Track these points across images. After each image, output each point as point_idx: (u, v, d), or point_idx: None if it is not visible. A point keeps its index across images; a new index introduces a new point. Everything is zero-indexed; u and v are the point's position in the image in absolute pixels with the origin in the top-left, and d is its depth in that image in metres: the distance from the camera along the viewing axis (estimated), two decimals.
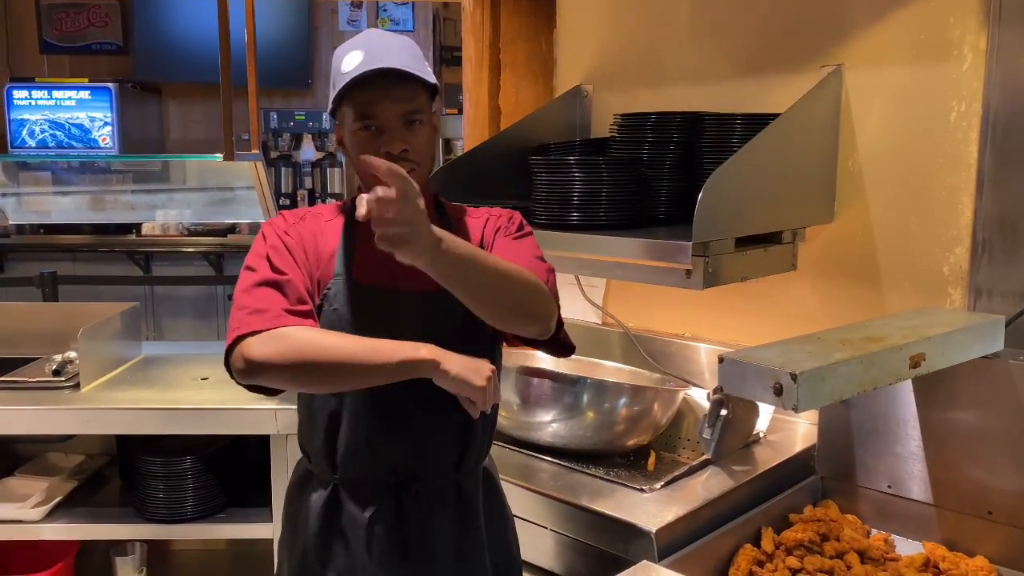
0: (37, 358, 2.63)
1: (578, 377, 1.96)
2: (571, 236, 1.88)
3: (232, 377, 1.42)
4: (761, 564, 1.60)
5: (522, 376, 1.97)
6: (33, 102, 5.75)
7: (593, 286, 2.51)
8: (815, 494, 1.86)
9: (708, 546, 1.61)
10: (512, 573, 1.64)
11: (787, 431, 2.05)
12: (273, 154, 6.09)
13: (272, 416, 2.24)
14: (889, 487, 1.78)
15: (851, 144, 1.98)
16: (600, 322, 2.51)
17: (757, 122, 1.89)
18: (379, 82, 1.41)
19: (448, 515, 1.53)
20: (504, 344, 1.60)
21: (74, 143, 5.78)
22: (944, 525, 1.70)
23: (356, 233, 1.50)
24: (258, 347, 1.36)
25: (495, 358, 1.53)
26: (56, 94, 5.75)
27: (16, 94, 5.73)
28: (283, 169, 6.11)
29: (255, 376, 1.38)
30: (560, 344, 1.55)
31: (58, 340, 2.64)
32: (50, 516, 2.34)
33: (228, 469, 2.42)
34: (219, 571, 2.78)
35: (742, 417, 1.91)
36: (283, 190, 6.10)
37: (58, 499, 2.38)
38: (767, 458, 1.92)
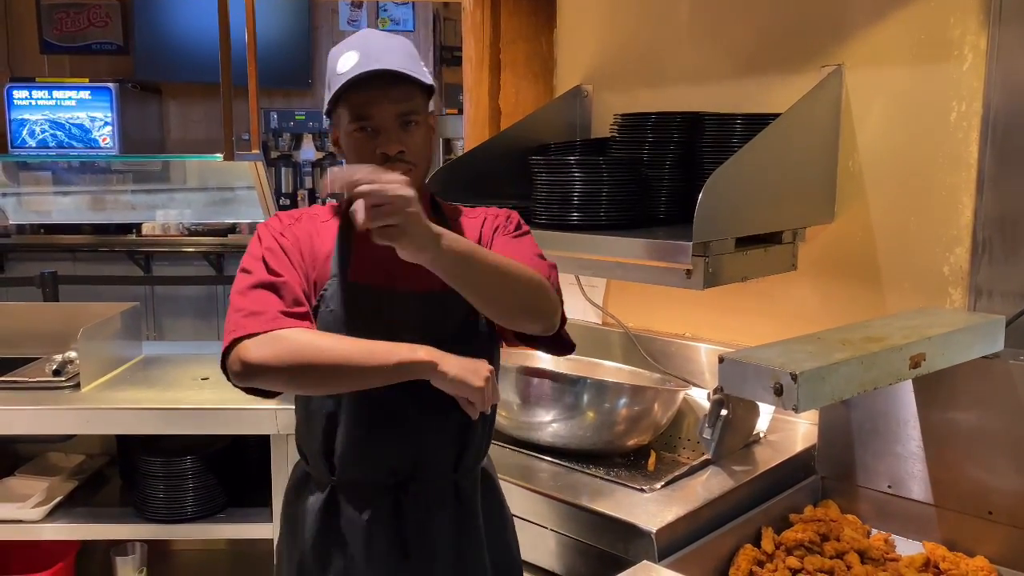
0: (37, 358, 2.63)
1: (578, 377, 1.95)
2: (571, 236, 1.88)
3: (229, 380, 1.41)
4: (761, 564, 1.60)
5: (522, 376, 1.97)
6: (33, 102, 5.76)
7: (593, 286, 2.51)
8: (815, 494, 1.86)
9: (708, 546, 1.61)
10: (512, 573, 1.64)
11: (787, 431, 2.05)
12: (273, 154, 6.10)
13: (272, 416, 2.24)
14: (889, 487, 1.78)
15: (851, 144, 1.98)
16: (600, 322, 2.51)
17: (757, 122, 1.89)
18: (375, 83, 1.40)
19: (446, 516, 1.53)
20: (504, 344, 1.60)
21: (74, 143, 5.78)
22: (944, 525, 1.70)
23: (352, 234, 1.50)
24: (255, 349, 1.35)
25: (493, 358, 1.53)
26: (56, 94, 5.76)
27: (16, 94, 5.73)
28: (283, 169, 6.12)
29: (252, 379, 1.38)
30: (562, 342, 1.55)
31: (58, 340, 2.64)
32: (50, 516, 2.34)
33: (228, 469, 2.42)
34: (219, 571, 2.78)
35: (742, 417, 1.91)
36: (283, 190, 6.11)
37: (58, 499, 2.38)
38: (767, 458, 1.92)
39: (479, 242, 1.54)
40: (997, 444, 1.63)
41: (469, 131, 2.75)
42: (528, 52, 2.66)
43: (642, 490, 1.76)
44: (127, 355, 2.75)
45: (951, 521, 1.69)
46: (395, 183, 1.21)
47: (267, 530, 2.31)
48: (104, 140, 5.79)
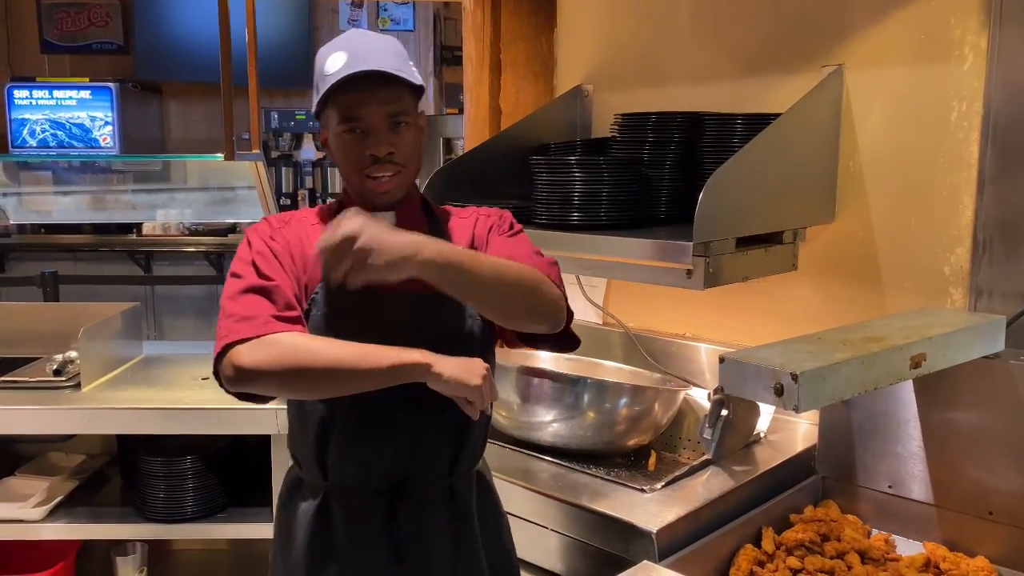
0: (38, 358, 2.63)
1: (579, 377, 1.95)
2: (572, 236, 1.88)
3: (221, 386, 1.40)
4: (762, 564, 1.60)
5: (522, 376, 1.97)
6: (34, 102, 5.76)
7: (594, 286, 2.51)
8: (816, 494, 1.85)
9: (709, 546, 1.61)
10: (510, 574, 1.64)
11: (788, 431, 2.05)
12: (274, 154, 6.10)
13: (273, 416, 2.24)
14: (890, 487, 1.78)
15: (852, 144, 1.98)
16: (601, 322, 2.51)
17: (758, 122, 1.89)
18: (363, 84, 1.39)
19: (442, 519, 1.51)
20: (505, 345, 1.60)
21: (75, 143, 5.79)
22: (945, 525, 1.70)
23: None
24: (248, 354, 1.34)
25: (488, 358, 1.52)
26: (57, 94, 5.76)
27: (17, 93, 5.73)
28: (284, 169, 6.12)
29: (245, 384, 1.37)
30: (568, 338, 1.54)
31: (59, 340, 2.64)
32: (51, 516, 2.34)
33: (229, 469, 2.42)
34: (219, 571, 2.78)
35: (743, 417, 1.91)
36: (284, 190, 6.10)
37: (59, 499, 2.38)
38: (768, 458, 1.92)
39: (472, 243, 1.54)
40: (998, 444, 1.63)
41: (469, 131, 2.75)
42: (528, 52, 2.66)
43: (642, 490, 1.76)
44: (128, 355, 2.75)
45: (952, 521, 1.69)
46: (340, 228, 1.25)
47: (267, 530, 2.28)
48: (104, 140, 5.79)
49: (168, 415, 2.27)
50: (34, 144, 5.78)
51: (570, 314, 1.51)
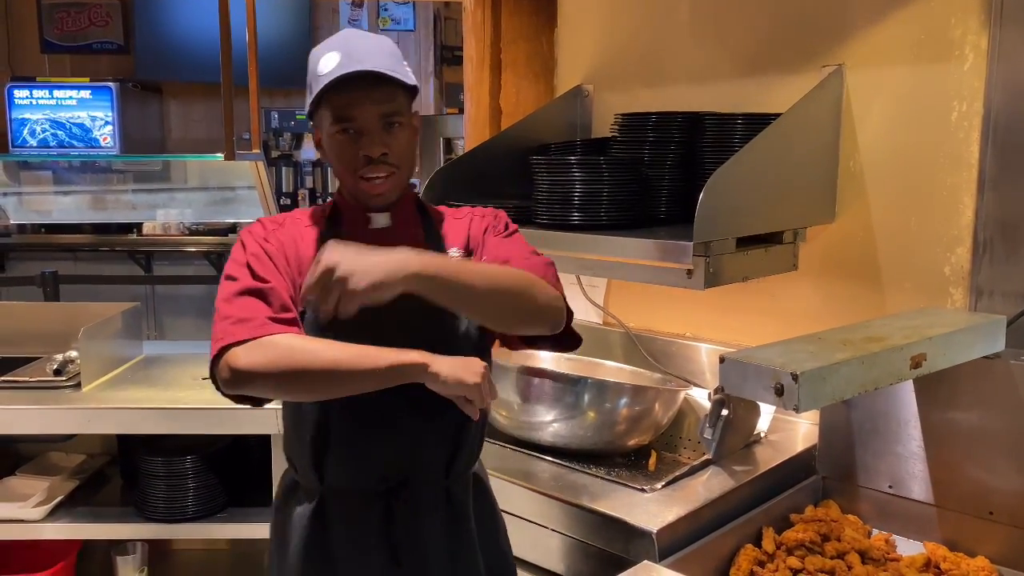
0: (38, 358, 2.63)
1: (579, 377, 1.95)
2: (572, 236, 1.88)
3: (218, 389, 1.40)
4: (762, 564, 1.60)
5: (523, 376, 1.97)
6: (34, 101, 5.76)
7: (594, 286, 2.51)
8: (816, 494, 1.85)
9: (709, 546, 1.61)
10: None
11: (788, 431, 2.05)
12: (274, 153, 6.10)
13: (273, 416, 2.23)
14: (890, 487, 1.78)
15: (852, 144, 1.98)
16: (601, 322, 2.51)
17: (758, 122, 1.88)
18: (357, 84, 1.38)
19: (438, 521, 1.51)
20: (505, 346, 1.59)
21: (75, 142, 5.79)
22: (945, 525, 1.70)
23: (337, 237, 1.48)
24: (244, 356, 1.33)
25: (485, 358, 1.51)
26: (57, 93, 5.76)
27: (17, 93, 5.74)
28: (284, 168, 6.12)
29: (242, 386, 1.36)
30: (569, 338, 1.53)
31: (59, 340, 2.64)
32: (51, 516, 2.34)
33: (229, 469, 2.42)
34: (220, 571, 2.78)
35: (743, 417, 1.91)
36: (284, 189, 6.11)
37: (59, 499, 2.38)
38: (768, 458, 1.92)
39: (467, 243, 1.53)
40: (998, 444, 1.63)
41: (470, 131, 2.75)
42: (529, 52, 2.66)
43: (643, 490, 1.76)
44: (128, 355, 2.75)
45: (952, 521, 1.69)
46: (319, 264, 1.24)
47: (268, 530, 2.30)
48: (105, 140, 5.79)
49: (168, 415, 2.27)
50: (34, 144, 5.79)
51: (570, 313, 1.50)
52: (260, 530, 2.32)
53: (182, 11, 6.06)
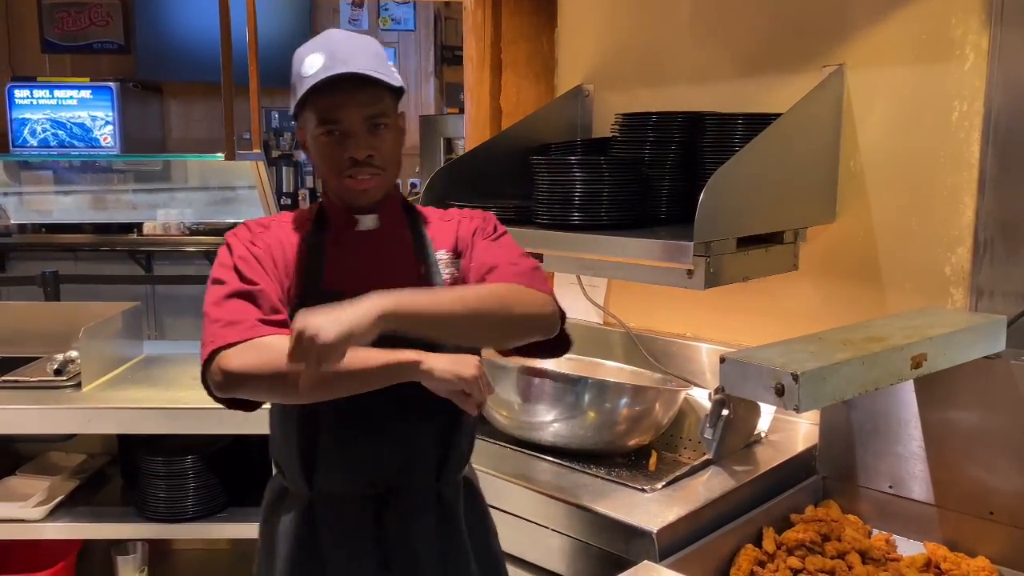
0: (39, 357, 2.63)
1: (579, 377, 1.95)
2: (573, 236, 1.88)
3: (210, 393, 1.38)
4: (762, 564, 1.60)
5: (523, 376, 1.97)
6: (35, 101, 5.77)
7: (594, 286, 2.51)
8: (816, 494, 1.85)
9: (709, 546, 1.61)
10: None
11: (788, 431, 2.05)
12: (274, 153, 6.11)
13: None
14: (890, 487, 1.78)
15: (853, 144, 1.98)
16: (601, 322, 2.51)
17: (759, 122, 1.88)
18: (342, 86, 1.37)
19: (429, 526, 1.49)
20: (497, 352, 1.58)
21: (75, 142, 5.79)
22: (945, 525, 1.70)
23: (324, 240, 1.47)
24: (236, 359, 1.32)
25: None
26: (58, 93, 5.77)
27: (18, 93, 5.74)
28: (284, 168, 6.13)
29: (234, 388, 1.35)
30: (560, 341, 1.51)
31: (60, 339, 2.64)
32: (51, 515, 2.34)
33: (229, 468, 2.42)
34: (220, 571, 2.78)
35: (743, 417, 1.91)
36: (284, 189, 6.12)
37: (59, 498, 2.38)
38: (768, 458, 1.92)
39: (455, 245, 1.52)
40: (998, 444, 1.63)
41: (470, 131, 2.75)
42: (529, 52, 2.66)
43: (643, 490, 1.76)
44: (128, 354, 2.75)
45: (952, 521, 1.69)
46: (299, 329, 1.19)
47: None
48: (105, 139, 5.80)
49: (169, 415, 2.27)
50: (35, 144, 5.79)
51: (562, 315, 1.48)
52: None
53: (182, 11, 6.06)
